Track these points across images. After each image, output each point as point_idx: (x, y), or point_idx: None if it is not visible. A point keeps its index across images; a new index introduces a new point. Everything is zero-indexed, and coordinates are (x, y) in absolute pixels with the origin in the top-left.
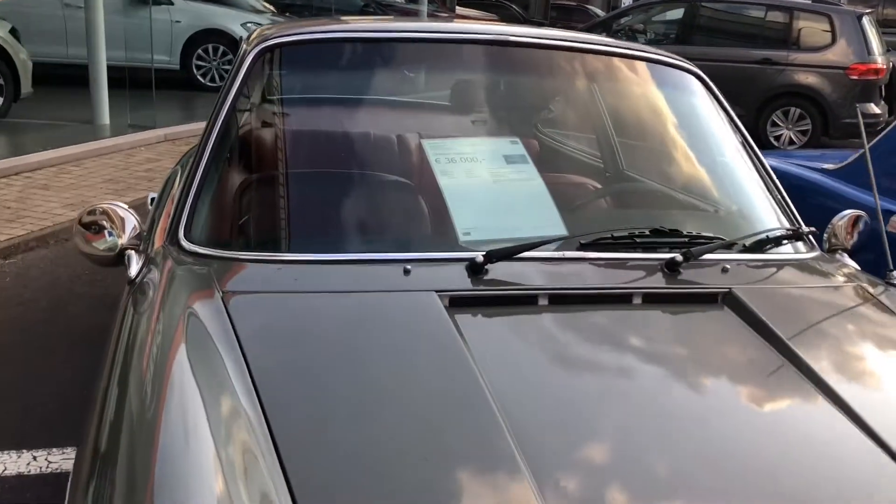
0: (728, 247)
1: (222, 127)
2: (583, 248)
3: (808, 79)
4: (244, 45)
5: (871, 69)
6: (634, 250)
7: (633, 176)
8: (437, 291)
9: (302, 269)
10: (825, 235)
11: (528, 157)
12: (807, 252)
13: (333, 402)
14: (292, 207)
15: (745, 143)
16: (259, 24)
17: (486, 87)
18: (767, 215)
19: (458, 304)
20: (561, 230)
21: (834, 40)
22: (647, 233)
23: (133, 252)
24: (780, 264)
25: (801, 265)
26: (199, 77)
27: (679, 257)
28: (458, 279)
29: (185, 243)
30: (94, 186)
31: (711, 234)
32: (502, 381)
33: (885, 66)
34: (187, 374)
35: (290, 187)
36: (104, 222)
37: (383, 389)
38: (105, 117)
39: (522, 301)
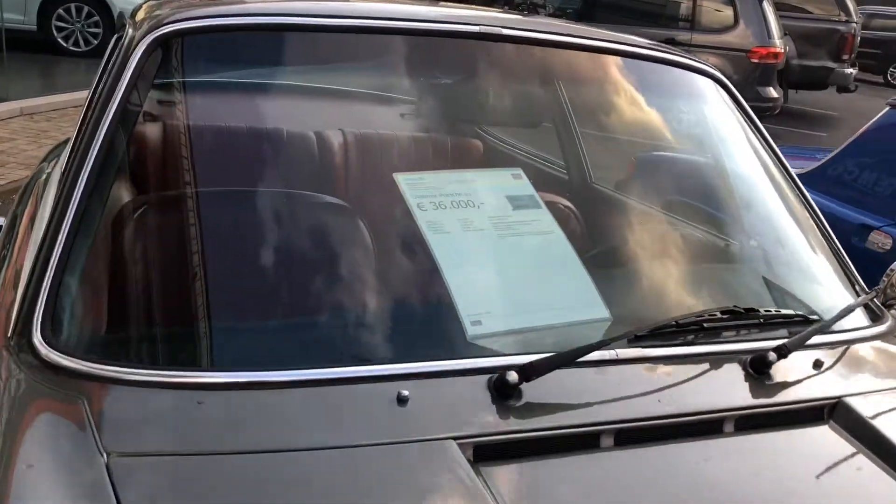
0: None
1: (102, 148)
2: (637, 341)
3: (711, 60)
4: (128, 30)
5: (771, 53)
6: (704, 340)
7: (599, 189)
8: (455, 438)
9: (238, 400)
10: (881, 286)
11: (537, 199)
12: (882, 322)
13: None
14: (215, 285)
15: (782, 169)
16: None
17: (423, 78)
18: (823, 271)
19: (487, 455)
20: (601, 311)
21: (736, 22)
22: (718, 315)
23: None
24: (865, 344)
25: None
26: (60, 40)
27: (772, 355)
28: (480, 409)
29: (40, 346)
30: None
31: (793, 312)
32: None
33: (783, 51)
34: None
35: (210, 251)
36: None
37: None
38: None
39: (579, 443)
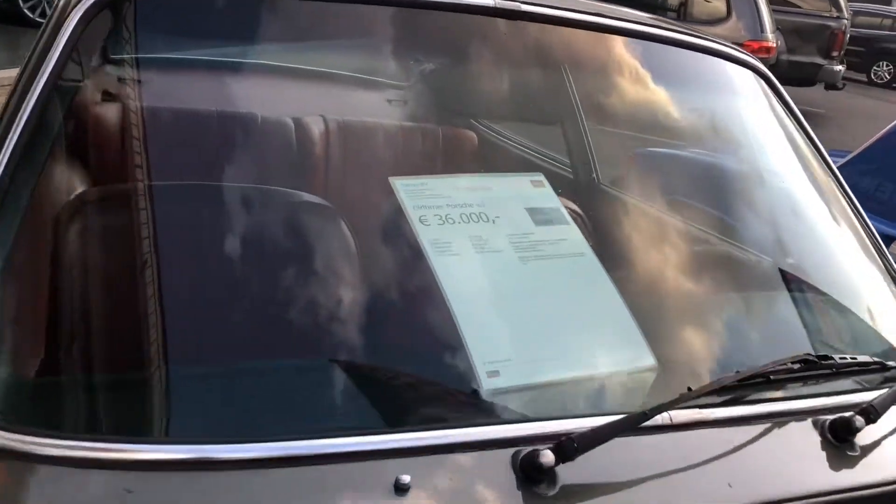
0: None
1: (22, 138)
2: (692, 399)
3: None
4: None
5: (763, 47)
6: (771, 395)
7: (609, 191)
8: None
9: (179, 485)
10: None
11: (563, 212)
12: None
13: None
14: (165, 318)
15: (830, 174)
16: None
17: (415, 59)
18: (885, 299)
19: None
20: (646, 357)
21: (728, 15)
22: (789, 365)
23: None
24: None
25: None
26: (26, 11)
27: (858, 420)
28: (503, 498)
29: None
30: None
31: (869, 358)
32: None
33: (774, 45)
34: None
35: (161, 266)
36: None
37: None
38: None
39: None
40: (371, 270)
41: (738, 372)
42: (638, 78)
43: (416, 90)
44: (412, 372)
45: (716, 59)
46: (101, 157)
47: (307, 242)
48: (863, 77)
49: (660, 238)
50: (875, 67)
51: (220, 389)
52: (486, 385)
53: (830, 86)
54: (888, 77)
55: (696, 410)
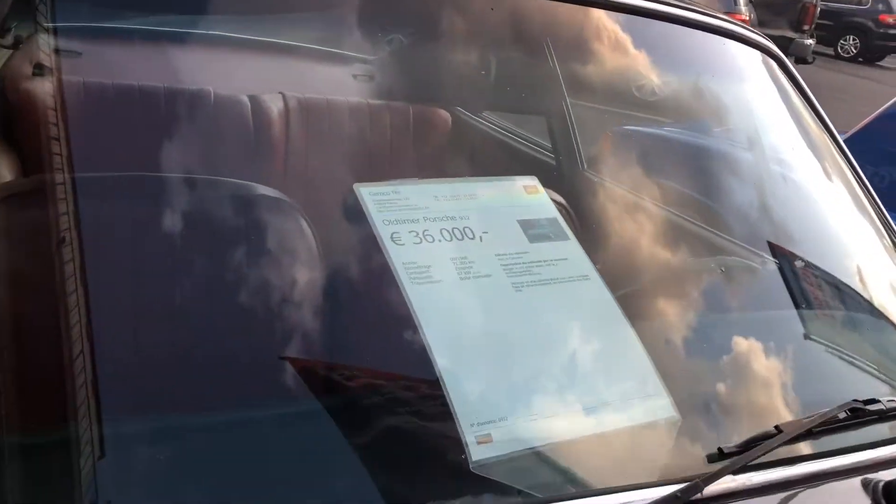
0: None
1: None
2: (731, 470)
3: None
4: None
5: (736, 21)
6: (812, 451)
7: (595, 180)
8: None
9: None
10: None
11: (561, 223)
12: None
13: None
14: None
15: (849, 166)
16: None
17: (382, 31)
18: None
19: None
20: (664, 406)
21: None
22: (845, 415)
23: None
24: None
25: None
26: None
27: None
28: None
29: None
30: None
31: None
32: None
33: (748, 19)
34: None
35: (88, 281)
36: None
37: None
38: None
39: None
40: (335, 285)
41: (777, 429)
42: (623, 52)
43: (385, 64)
44: (381, 437)
45: (727, 39)
46: (30, 142)
47: (262, 248)
48: (830, 51)
49: (665, 243)
50: (842, 41)
51: (161, 451)
52: (475, 454)
53: (800, 60)
54: (854, 51)
55: (730, 478)
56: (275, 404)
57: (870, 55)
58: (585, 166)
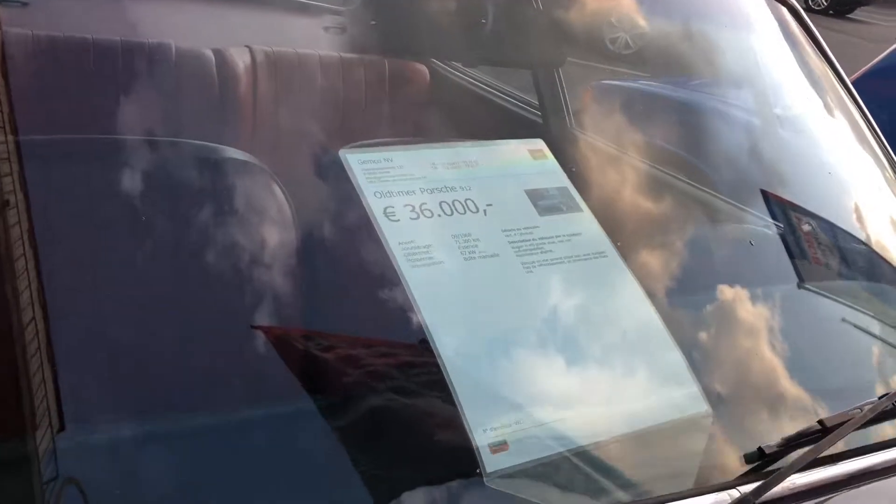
0: None
1: None
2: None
3: None
4: None
5: None
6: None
7: (585, 138)
8: None
9: None
10: None
11: (573, 193)
12: None
13: None
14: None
15: (866, 122)
16: None
17: None
18: None
19: None
20: (696, 400)
21: None
22: (892, 405)
23: None
24: None
25: None
26: None
27: None
28: None
29: None
30: None
31: None
32: None
33: None
34: None
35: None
36: None
37: None
38: None
39: None
40: (317, 263)
41: (821, 424)
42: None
43: (357, 15)
44: (377, 448)
45: None
46: None
47: (231, 217)
48: (801, 4)
49: (680, 211)
50: None
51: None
52: (490, 464)
53: None
54: (825, 4)
55: (787, 481)
56: (255, 404)
57: (840, 8)
58: (573, 124)
